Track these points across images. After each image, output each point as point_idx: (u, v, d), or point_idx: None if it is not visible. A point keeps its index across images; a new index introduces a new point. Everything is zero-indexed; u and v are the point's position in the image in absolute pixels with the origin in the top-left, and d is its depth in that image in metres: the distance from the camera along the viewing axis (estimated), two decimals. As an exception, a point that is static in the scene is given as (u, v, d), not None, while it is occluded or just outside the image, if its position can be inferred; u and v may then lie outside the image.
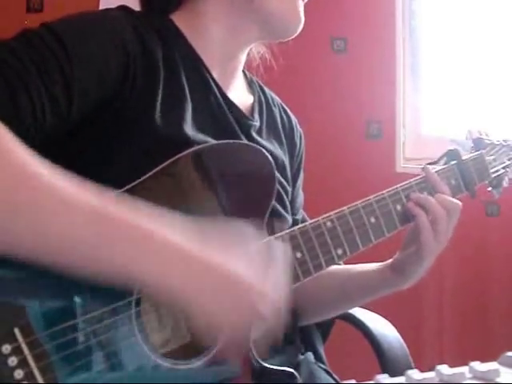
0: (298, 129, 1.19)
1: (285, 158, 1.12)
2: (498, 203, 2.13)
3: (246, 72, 1.16)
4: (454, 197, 1.06)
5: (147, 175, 0.85)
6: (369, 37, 2.31)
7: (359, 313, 1.31)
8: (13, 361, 0.71)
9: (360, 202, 0.99)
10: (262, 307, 0.77)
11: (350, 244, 0.97)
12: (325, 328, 1.28)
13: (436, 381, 0.48)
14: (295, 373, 0.92)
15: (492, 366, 0.49)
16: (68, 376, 0.75)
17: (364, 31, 2.31)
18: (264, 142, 1.07)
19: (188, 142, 0.90)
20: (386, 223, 1.01)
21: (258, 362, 0.88)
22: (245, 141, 1.01)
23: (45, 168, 0.72)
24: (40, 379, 0.72)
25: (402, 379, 0.48)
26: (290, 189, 1.12)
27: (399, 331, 1.30)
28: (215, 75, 1.02)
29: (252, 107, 1.10)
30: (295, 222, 1.10)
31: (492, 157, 1.20)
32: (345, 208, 0.97)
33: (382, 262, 1.10)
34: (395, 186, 1.03)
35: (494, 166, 1.19)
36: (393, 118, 2.30)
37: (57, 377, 0.74)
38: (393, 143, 2.31)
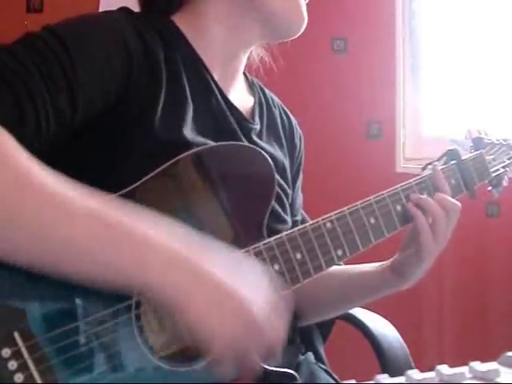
0: (298, 130, 1.19)
1: (285, 160, 1.12)
2: (498, 204, 2.14)
3: (247, 73, 1.15)
4: (453, 197, 1.06)
5: (147, 177, 0.85)
6: (369, 37, 2.31)
7: (359, 313, 1.31)
8: (13, 364, 0.71)
9: (360, 202, 0.99)
10: (260, 321, 0.76)
11: (349, 245, 0.97)
12: (325, 328, 1.28)
13: (436, 381, 0.48)
14: (296, 374, 0.92)
15: (492, 366, 0.49)
16: (68, 379, 0.74)
17: (364, 31, 2.31)
18: (264, 145, 1.06)
19: (187, 145, 0.90)
20: (385, 224, 1.00)
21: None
22: (245, 143, 1.01)
23: (47, 175, 0.72)
24: (40, 382, 0.72)
25: (402, 379, 0.48)
26: (290, 191, 1.12)
27: (399, 331, 1.30)
28: (216, 76, 1.01)
29: (252, 109, 1.09)
30: (295, 224, 1.10)
31: (492, 156, 1.20)
32: (345, 209, 0.97)
33: (381, 262, 1.10)
34: (395, 187, 1.03)
35: (494, 166, 1.19)
36: (393, 119, 2.30)
37: (57, 380, 0.74)
38: (393, 143, 2.31)
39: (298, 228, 0.94)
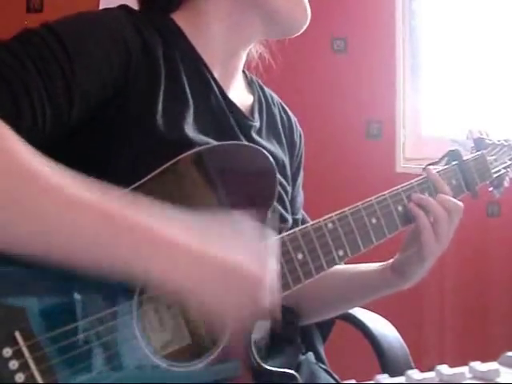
0: (298, 128, 1.19)
1: (285, 158, 1.12)
2: (498, 204, 2.14)
3: (246, 71, 1.15)
4: (455, 197, 1.06)
5: (148, 177, 0.84)
6: (369, 37, 2.31)
7: (359, 313, 1.31)
8: (14, 364, 0.71)
9: (361, 202, 0.99)
10: (262, 295, 0.78)
11: (351, 245, 0.96)
12: (325, 328, 1.28)
13: (436, 381, 0.48)
14: (296, 374, 0.92)
15: (492, 366, 0.49)
16: (69, 379, 0.74)
17: (364, 31, 2.32)
18: (264, 143, 1.06)
19: (190, 144, 0.90)
20: (387, 224, 1.00)
21: (259, 363, 0.88)
22: (245, 142, 1.01)
23: (50, 167, 0.72)
24: (41, 382, 0.72)
25: (402, 379, 0.48)
26: (290, 189, 1.12)
27: (399, 331, 1.30)
28: (216, 74, 1.01)
29: (252, 107, 1.09)
30: (295, 222, 1.10)
31: (493, 157, 1.20)
32: (346, 209, 0.97)
33: (382, 262, 1.10)
34: (396, 187, 1.03)
35: (496, 166, 1.19)
36: (393, 118, 2.30)
37: (58, 380, 0.73)
38: (393, 143, 2.31)
39: (299, 228, 0.93)
